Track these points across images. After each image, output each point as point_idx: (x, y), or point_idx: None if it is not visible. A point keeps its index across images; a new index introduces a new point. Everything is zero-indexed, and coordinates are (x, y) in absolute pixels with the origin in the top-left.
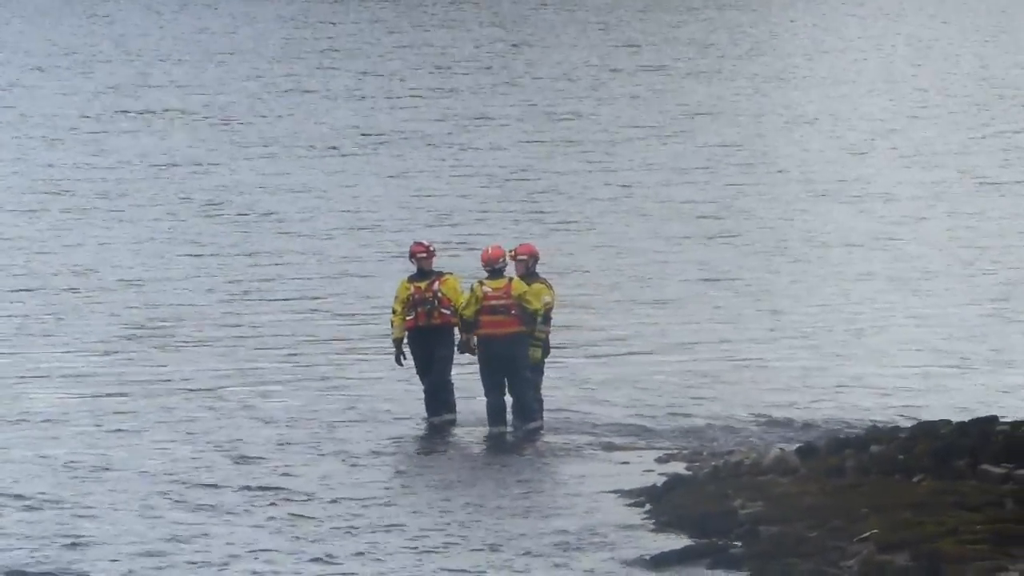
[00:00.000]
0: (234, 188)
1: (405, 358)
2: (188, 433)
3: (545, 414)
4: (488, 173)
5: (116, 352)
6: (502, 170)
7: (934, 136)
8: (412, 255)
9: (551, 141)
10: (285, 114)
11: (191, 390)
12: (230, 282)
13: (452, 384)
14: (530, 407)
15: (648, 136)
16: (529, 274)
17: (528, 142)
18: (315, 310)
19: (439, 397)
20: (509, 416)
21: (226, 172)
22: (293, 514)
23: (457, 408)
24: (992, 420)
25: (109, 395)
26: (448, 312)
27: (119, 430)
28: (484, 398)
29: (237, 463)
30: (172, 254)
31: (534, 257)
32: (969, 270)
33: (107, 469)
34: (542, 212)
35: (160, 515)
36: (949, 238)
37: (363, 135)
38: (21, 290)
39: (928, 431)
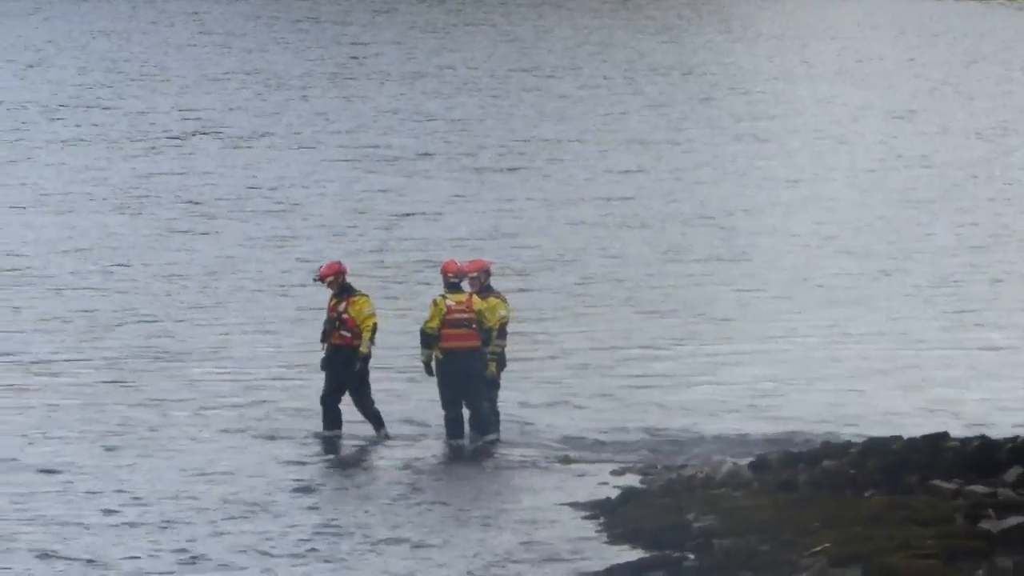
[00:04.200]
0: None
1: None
2: None
3: (501, 426)
4: None
5: None
6: None
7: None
8: (320, 279)
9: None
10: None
11: None
12: None
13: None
14: (486, 419)
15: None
16: (484, 289)
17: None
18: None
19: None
20: (466, 429)
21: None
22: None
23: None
24: (943, 436)
25: None
26: (348, 335)
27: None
28: (441, 412)
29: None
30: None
31: (486, 272)
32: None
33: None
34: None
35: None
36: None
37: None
38: None
39: (879, 447)
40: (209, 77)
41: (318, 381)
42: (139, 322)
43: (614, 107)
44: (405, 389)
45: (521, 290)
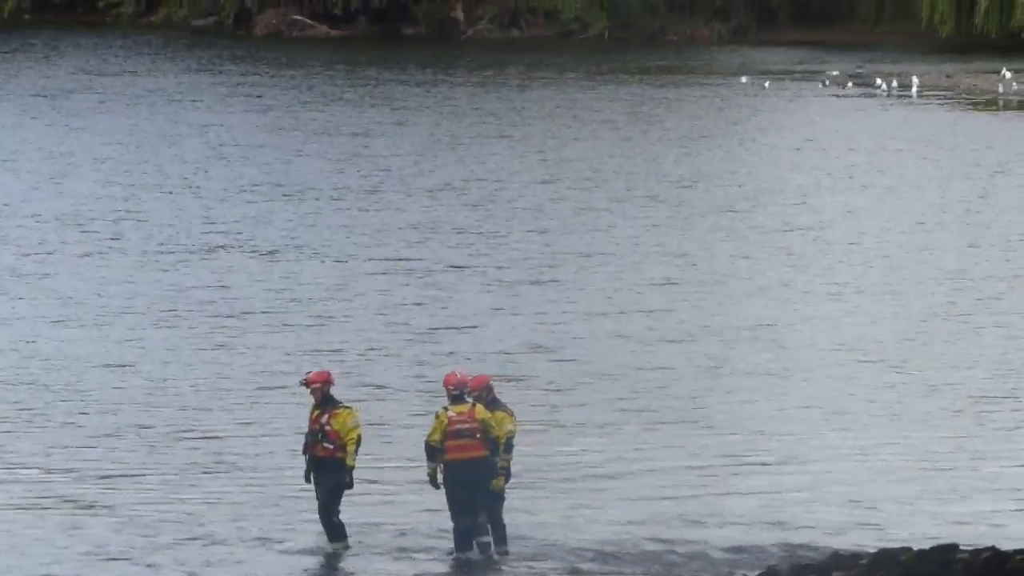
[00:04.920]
0: None
1: (308, 481)
2: None
3: (511, 540)
4: None
5: None
6: None
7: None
8: (307, 384)
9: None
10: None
11: None
12: None
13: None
14: (481, 529)
15: None
16: (489, 403)
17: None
18: None
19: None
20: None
21: None
22: None
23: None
24: (952, 548)
25: None
26: (331, 447)
27: None
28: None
29: None
30: None
31: (487, 388)
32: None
33: None
34: None
35: None
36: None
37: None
38: None
39: (889, 557)
40: (233, 189)
41: (363, 495)
42: (196, 437)
43: (640, 219)
44: (415, 500)
45: (576, 405)
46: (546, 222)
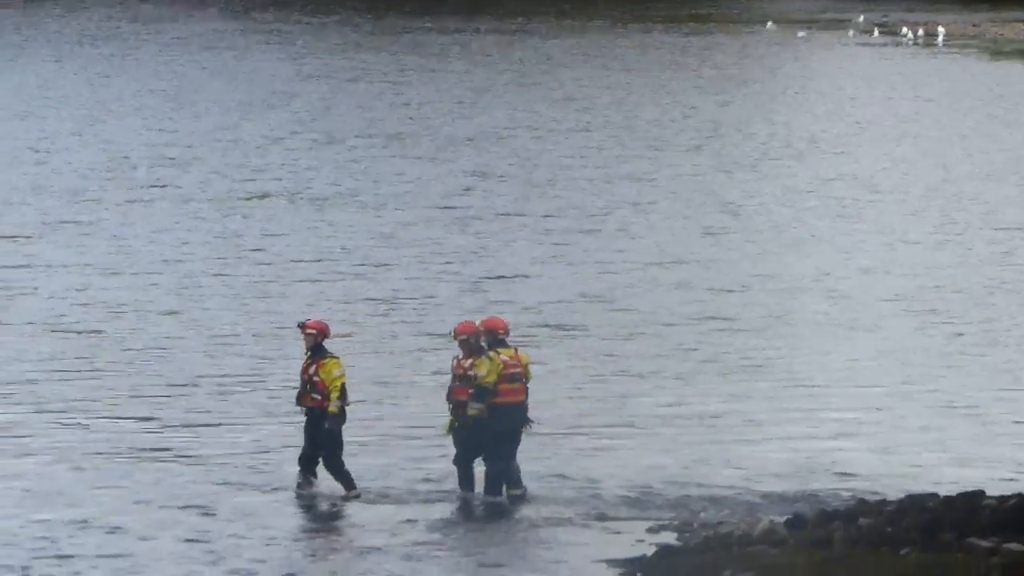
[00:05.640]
0: None
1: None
2: None
3: (537, 483)
4: None
5: None
6: None
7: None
8: (303, 328)
9: None
10: None
11: None
12: None
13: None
14: (517, 473)
15: None
16: (478, 350)
17: None
18: None
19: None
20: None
21: None
22: None
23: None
24: (979, 494)
25: None
26: (319, 397)
27: None
28: (457, 466)
29: None
30: None
31: (477, 336)
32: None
33: None
34: None
35: None
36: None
37: None
38: None
39: (916, 504)
40: (273, 136)
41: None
42: (257, 385)
43: (683, 167)
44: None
45: (629, 354)
46: (589, 171)
